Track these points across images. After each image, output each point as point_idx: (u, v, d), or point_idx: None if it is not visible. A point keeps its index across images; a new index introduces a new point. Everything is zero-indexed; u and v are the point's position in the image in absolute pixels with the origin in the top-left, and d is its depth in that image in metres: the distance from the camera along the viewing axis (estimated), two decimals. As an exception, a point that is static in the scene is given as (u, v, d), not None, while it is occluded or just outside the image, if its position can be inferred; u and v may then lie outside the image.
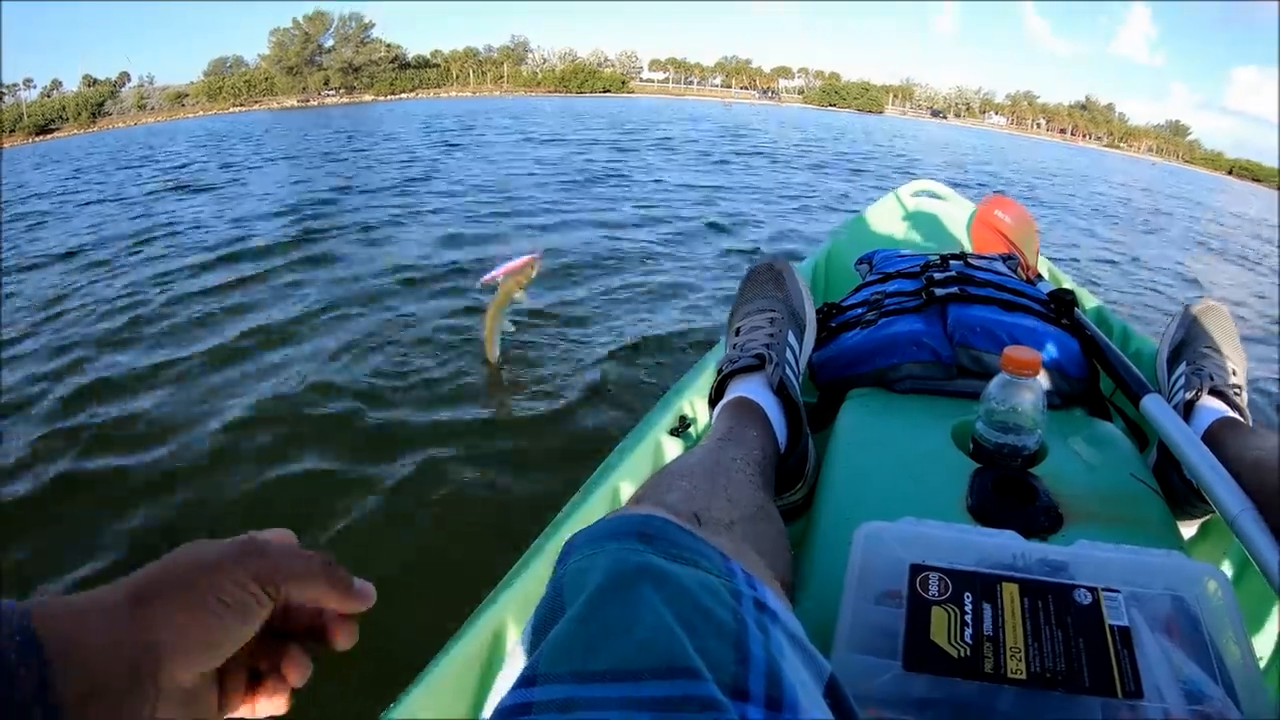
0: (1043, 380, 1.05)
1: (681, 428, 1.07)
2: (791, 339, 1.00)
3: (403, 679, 0.71)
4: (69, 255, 4.84)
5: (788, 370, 0.95)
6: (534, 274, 2.49)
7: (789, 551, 0.69)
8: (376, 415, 2.28)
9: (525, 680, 0.35)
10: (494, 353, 2.54)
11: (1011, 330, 1.05)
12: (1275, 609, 0.91)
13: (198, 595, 0.33)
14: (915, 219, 2.04)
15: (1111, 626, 0.56)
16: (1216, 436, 0.91)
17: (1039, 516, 0.77)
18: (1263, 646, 0.91)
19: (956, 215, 2.04)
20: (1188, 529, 1.05)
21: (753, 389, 0.91)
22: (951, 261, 1.27)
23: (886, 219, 2.06)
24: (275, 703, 0.40)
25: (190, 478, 2.01)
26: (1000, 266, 1.33)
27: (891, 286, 1.22)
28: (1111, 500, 0.83)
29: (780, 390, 0.91)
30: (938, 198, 2.17)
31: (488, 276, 2.47)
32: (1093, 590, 0.59)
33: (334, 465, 2.01)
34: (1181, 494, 0.93)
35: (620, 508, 0.47)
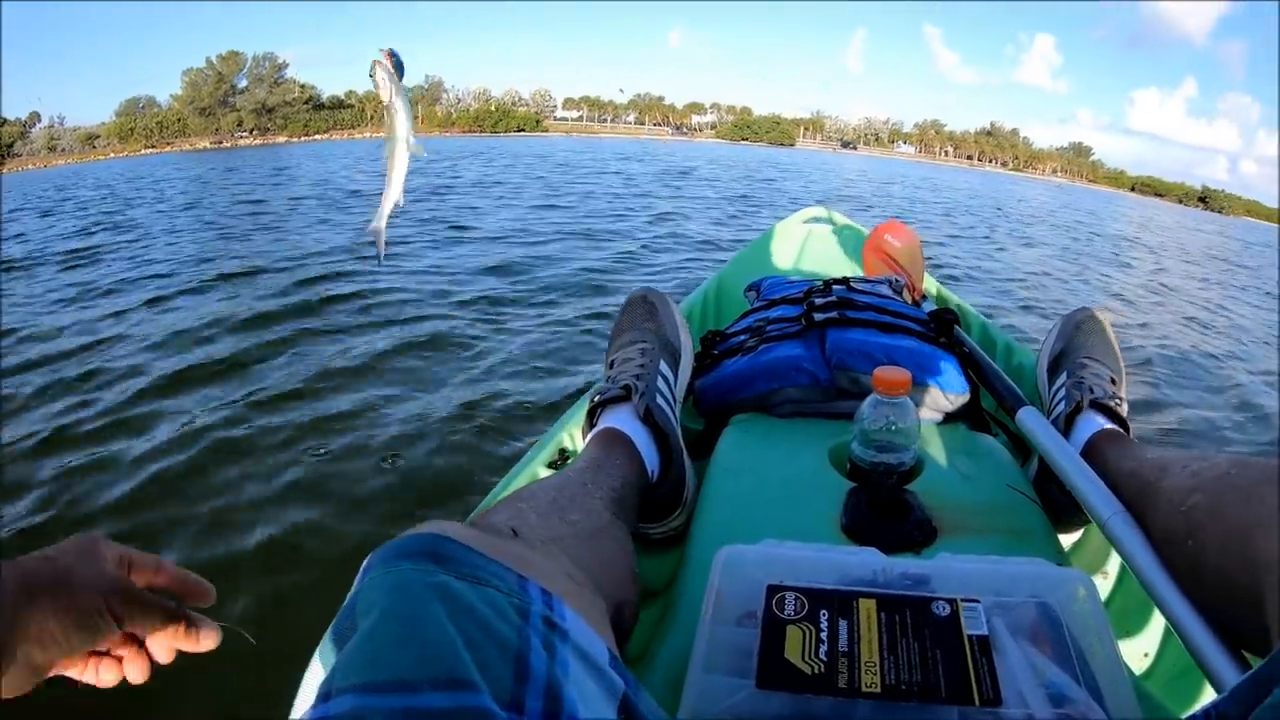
0: (921, 397, 1.06)
1: (561, 460, 1.06)
2: (664, 368, 1.01)
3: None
4: None
5: (658, 399, 0.96)
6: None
7: (630, 572, 0.68)
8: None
9: (323, 696, 0.37)
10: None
11: (889, 351, 1.06)
12: (1154, 609, 0.93)
13: (69, 604, 0.42)
14: (808, 245, 2.07)
15: (970, 636, 0.56)
16: (1097, 449, 0.93)
17: (912, 531, 0.78)
18: (1147, 644, 0.93)
19: (848, 240, 2.08)
20: (1071, 538, 1.07)
21: (620, 419, 0.92)
22: (834, 287, 1.29)
23: (779, 246, 2.08)
24: (111, 676, 0.48)
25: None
26: (884, 289, 1.35)
27: (775, 313, 1.24)
28: (988, 512, 0.84)
29: (648, 419, 0.92)
30: (830, 223, 2.21)
31: None
32: (951, 601, 0.58)
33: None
34: (1061, 503, 0.94)
35: (421, 525, 0.47)
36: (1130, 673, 0.71)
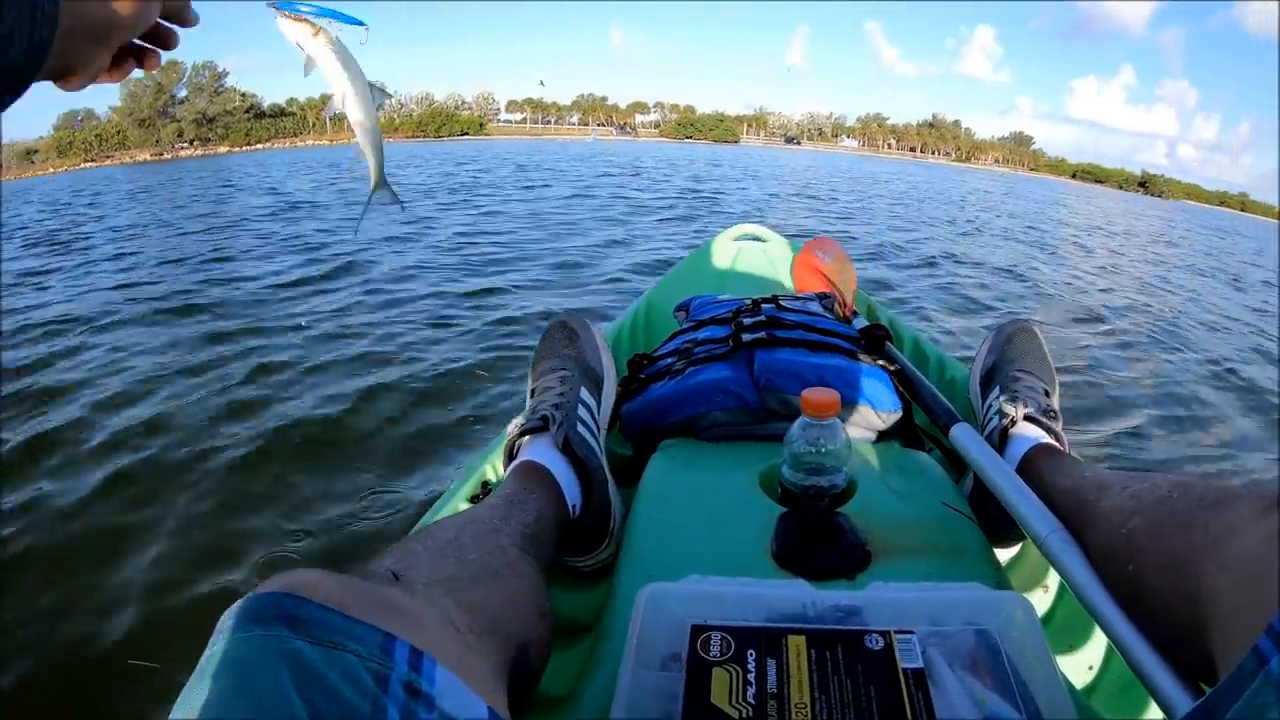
0: (853, 416, 1.05)
1: (483, 494, 1.01)
2: (586, 395, 0.99)
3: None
4: None
5: (579, 428, 0.93)
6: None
7: (537, 610, 0.65)
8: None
9: None
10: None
11: (819, 370, 1.04)
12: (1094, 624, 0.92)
13: None
14: (738, 263, 2.05)
15: (905, 670, 0.54)
16: (1033, 463, 0.92)
17: (845, 557, 0.75)
18: (1091, 656, 0.92)
19: (779, 257, 2.06)
20: (1009, 553, 1.06)
21: (538, 451, 0.90)
22: (763, 305, 1.27)
23: (709, 264, 2.06)
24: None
25: None
26: (815, 306, 1.34)
27: (703, 334, 1.22)
28: (923, 530, 0.82)
29: (568, 449, 0.90)
30: (760, 240, 2.19)
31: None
32: (885, 634, 0.56)
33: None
34: (998, 519, 0.93)
35: (279, 577, 0.43)
36: (1073, 692, 0.69)
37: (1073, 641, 0.94)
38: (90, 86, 0.52)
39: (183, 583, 1.72)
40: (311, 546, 1.85)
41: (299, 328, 3.68)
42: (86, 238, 7.66)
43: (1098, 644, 0.91)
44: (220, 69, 58.22)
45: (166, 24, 0.55)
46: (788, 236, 2.22)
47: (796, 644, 0.55)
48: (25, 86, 0.42)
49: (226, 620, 0.41)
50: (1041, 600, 1.02)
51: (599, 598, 0.89)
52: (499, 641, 0.54)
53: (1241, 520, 0.50)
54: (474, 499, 1.01)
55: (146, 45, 0.56)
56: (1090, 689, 0.89)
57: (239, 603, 0.41)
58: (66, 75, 0.47)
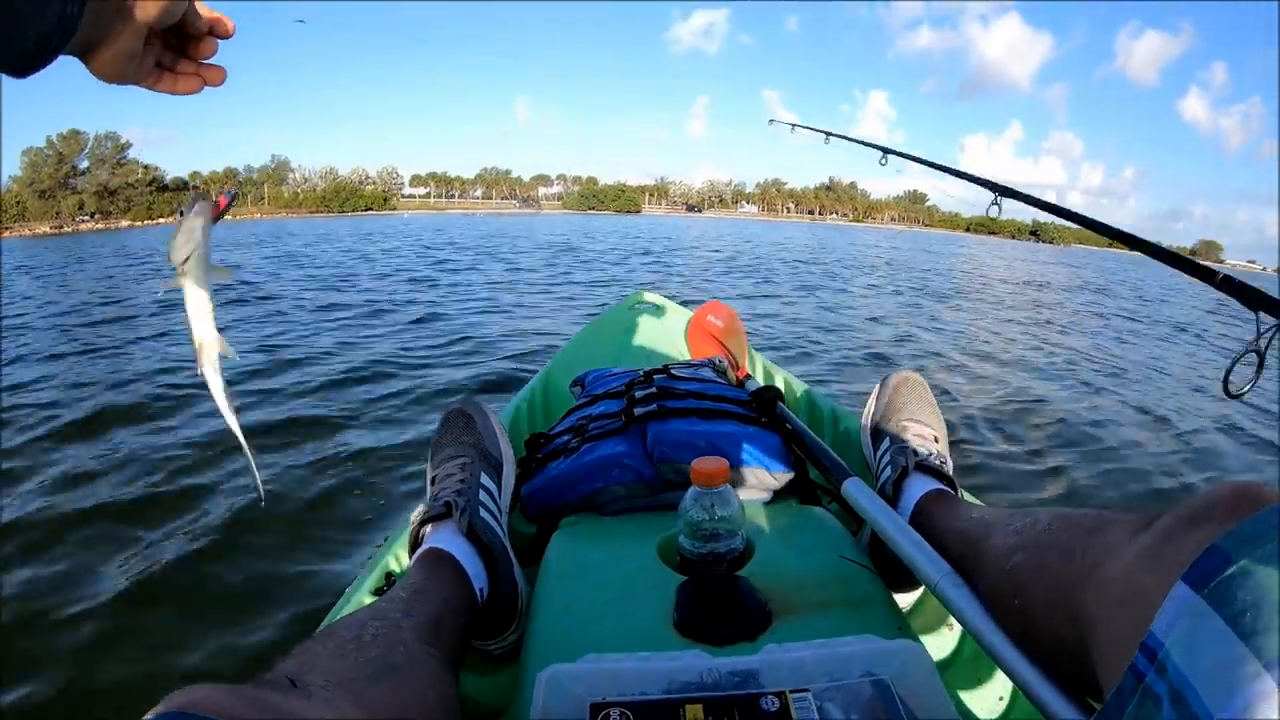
0: (747, 478, 1.06)
1: (388, 585, 0.99)
2: (486, 480, 1.00)
3: None
4: None
5: (482, 513, 0.94)
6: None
7: (441, 704, 0.64)
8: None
9: None
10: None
11: (710, 438, 1.07)
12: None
13: None
14: (634, 332, 2.08)
15: None
16: (925, 511, 0.95)
17: (746, 619, 0.77)
18: (1000, 688, 0.95)
19: (673, 324, 2.10)
20: (912, 598, 1.08)
21: (443, 538, 0.89)
22: (655, 376, 1.29)
23: (603, 336, 2.08)
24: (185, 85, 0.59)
25: None
26: (707, 373, 1.37)
27: (597, 409, 1.23)
28: (823, 585, 0.84)
29: (472, 535, 0.89)
30: (656, 308, 2.23)
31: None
32: (780, 695, 0.57)
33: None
34: (897, 568, 0.95)
35: (174, 696, 0.42)
36: None
37: (980, 675, 0.97)
38: (151, 92, 0.57)
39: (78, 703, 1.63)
40: (211, 659, 1.76)
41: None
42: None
43: (1005, 677, 0.94)
44: (123, 140, 56.80)
45: (198, 27, 0.57)
46: (682, 303, 2.27)
47: (694, 713, 0.55)
48: (62, 44, 0.43)
49: None
50: (948, 639, 1.05)
51: (510, 680, 0.89)
52: None
53: (1115, 544, 0.52)
54: (378, 591, 0.99)
55: (191, 59, 0.58)
56: (1003, 717, 0.92)
57: None
58: (93, 46, 0.48)
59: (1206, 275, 0.86)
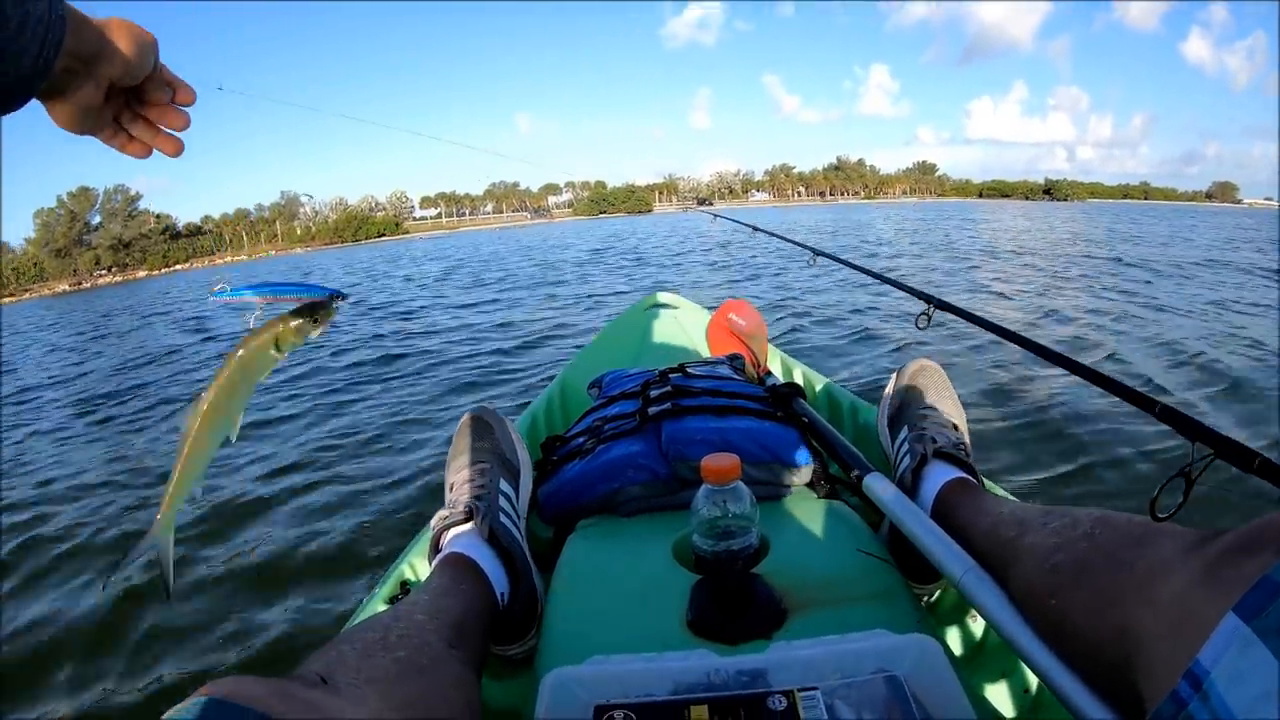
0: (764, 474, 1.06)
1: (403, 594, 1.00)
2: (504, 486, 1.01)
3: None
4: None
5: (502, 518, 0.95)
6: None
7: (466, 704, 0.65)
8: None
9: None
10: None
11: (724, 434, 1.06)
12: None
13: (139, 36, 0.54)
14: (651, 333, 2.08)
15: None
16: (948, 500, 0.93)
17: (760, 617, 0.76)
18: (1027, 680, 0.93)
19: (692, 323, 2.10)
20: (936, 589, 1.06)
21: (464, 543, 0.90)
22: (671, 375, 1.29)
23: (621, 338, 2.09)
24: (132, 148, 0.61)
25: None
26: (724, 370, 1.36)
27: (612, 410, 1.23)
28: (840, 582, 0.83)
29: (493, 540, 0.91)
30: (673, 308, 2.23)
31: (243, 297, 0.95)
32: (788, 693, 0.57)
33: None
34: (916, 561, 0.93)
35: (211, 685, 0.44)
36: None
37: (1006, 668, 0.95)
38: (110, 148, 0.60)
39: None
40: (241, 657, 1.82)
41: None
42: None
43: (1029, 673, 0.92)
44: (133, 191, 57.77)
45: (157, 97, 0.60)
46: (701, 303, 2.26)
47: (699, 714, 0.55)
48: (40, 80, 0.46)
49: None
50: (970, 634, 1.03)
51: (530, 684, 0.89)
52: None
53: (1167, 560, 0.51)
54: (393, 600, 1.00)
55: (151, 121, 0.61)
56: (1029, 712, 0.91)
57: (172, 711, 0.42)
58: (55, 95, 0.51)
59: (1146, 405, 0.87)
